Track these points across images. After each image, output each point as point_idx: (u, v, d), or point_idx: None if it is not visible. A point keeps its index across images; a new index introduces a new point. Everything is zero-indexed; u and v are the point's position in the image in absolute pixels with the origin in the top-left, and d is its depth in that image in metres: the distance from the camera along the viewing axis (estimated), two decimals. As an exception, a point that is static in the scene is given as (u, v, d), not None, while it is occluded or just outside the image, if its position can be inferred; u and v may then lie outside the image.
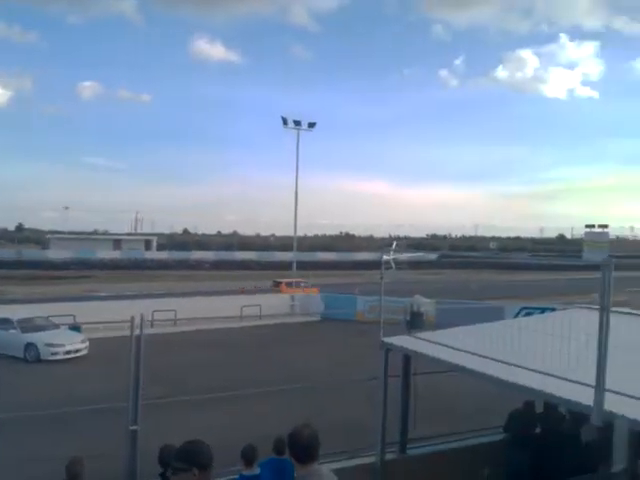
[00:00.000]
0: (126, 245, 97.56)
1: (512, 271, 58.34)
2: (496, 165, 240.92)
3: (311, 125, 38.89)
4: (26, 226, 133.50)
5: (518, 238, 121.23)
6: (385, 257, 8.39)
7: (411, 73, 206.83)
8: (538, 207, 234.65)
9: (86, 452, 6.88)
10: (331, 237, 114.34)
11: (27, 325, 22.29)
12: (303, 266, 49.87)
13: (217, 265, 69.39)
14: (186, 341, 24.52)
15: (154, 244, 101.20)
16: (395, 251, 8.69)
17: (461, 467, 8.74)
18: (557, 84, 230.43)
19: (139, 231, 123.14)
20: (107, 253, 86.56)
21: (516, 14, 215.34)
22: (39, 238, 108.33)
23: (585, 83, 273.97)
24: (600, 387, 5.37)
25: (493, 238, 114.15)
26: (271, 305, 32.46)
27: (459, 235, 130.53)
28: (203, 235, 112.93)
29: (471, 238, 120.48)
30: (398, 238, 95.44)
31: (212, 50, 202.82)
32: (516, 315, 24.57)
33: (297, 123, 38.23)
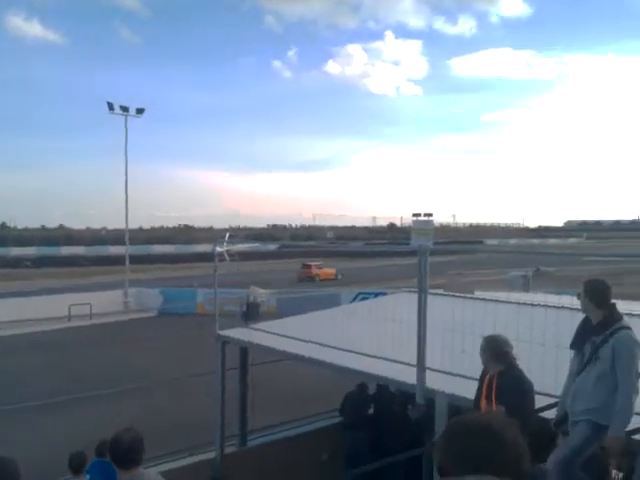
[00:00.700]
0: None
1: (349, 258, 60.91)
2: (331, 156, 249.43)
3: (140, 111, 37.00)
4: None
5: (353, 227, 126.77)
6: (218, 249, 8.19)
7: (246, 63, 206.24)
8: (370, 196, 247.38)
9: None
10: (169, 229, 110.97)
11: None
12: (139, 260, 47.74)
13: (40, 262, 63.62)
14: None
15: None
16: (228, 242, 8.51)
17: (301, 453, 8.88)
18: (384, 80, 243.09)
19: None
20: None
21: (345, 9, 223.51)
22: None
23: (410, 80, 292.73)
24: (421, 366, 5.68)
25: (330, 227, 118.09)
26: (102, 303, 30.59)
27: (299, 225, 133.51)
28: (25, 230, 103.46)
29: (310, 228, 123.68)
30: (238, 229, 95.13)
31: (30, 28, 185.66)
32: (353, 301, 25.52)
33: (124, 109, 36.06)
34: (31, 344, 22.45)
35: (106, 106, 35.91)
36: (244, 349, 8.75)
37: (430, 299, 6.00)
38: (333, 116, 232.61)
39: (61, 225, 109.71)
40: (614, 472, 5.59)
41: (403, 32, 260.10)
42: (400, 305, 7.30)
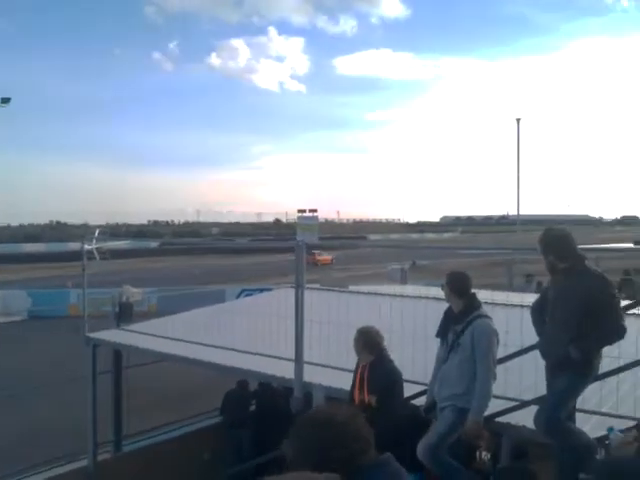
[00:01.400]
0: None
1: (234, 255, 60.25)
2: (216, 151, 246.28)
3: (5, 100, 34.41)
4: None
5: (238, 223, 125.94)
6: (87, 247, 7.71)
7: (124, 53, 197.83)
8: (256, 193, 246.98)
9: None
10: (40, 226, 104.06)
11: None
12: (6, 260, 44.41)
13: None
14: None
15: None
16: (99, 239, 8.03)
17: (181, 455, 8.64)
18: (268, 76, 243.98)
19: None
20: None
21: (227, 3, 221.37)
22: None
23: (294, 77, 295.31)
24: (299, 361, 5.71)
25: (215, 224, 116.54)
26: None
27: (182, 221, 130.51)
28: None
29: (193, 224, 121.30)
30: (116, 225, 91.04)
31: None
32: (237, 297, 25.23)
33: (-12, 98, 33.39)
34: None
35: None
36: (117, 352, 8.37)
37: (308, 294, 6.04)
38: (217, 111, 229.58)
39: None
40: (484, 453, 5.92)
41: (287, 29, 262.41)
42: (282, 301, 7.29)
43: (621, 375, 4.37)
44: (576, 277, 3.91)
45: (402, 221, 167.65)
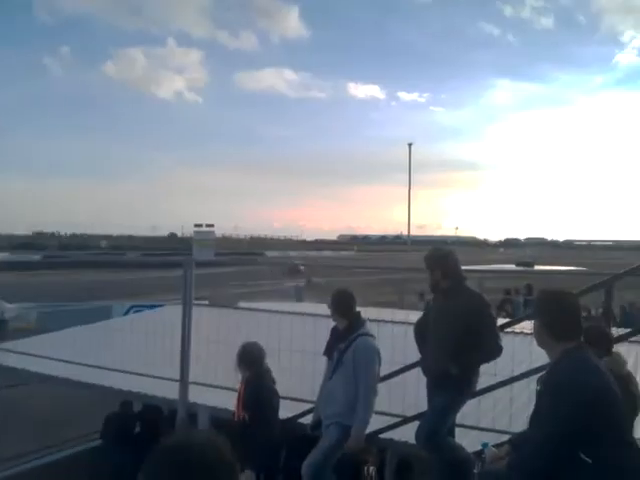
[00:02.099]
0: None
1: (125, 269, 57.92)
2: (112, 161, 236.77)
3: None
4: None
5: (131, 237, 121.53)
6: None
7: (10, 56, 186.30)
8: (151, 205, 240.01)
9: None
10: None
11: None
12: None
13: None
14: None
15: None
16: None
17: (57, 482, 8.07)
18: (167, 86, 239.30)
19: None
20: None
21: (126, 10, 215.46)
22: None
23: (192, 89, 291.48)
24: (184, 380, 5.53)
25: (105, 236, 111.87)
26: None
27: (69, 233, 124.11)
28: None
29: (82, 236, 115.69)
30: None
31: None
32: (125, 313, 24.16)
33: None
34: None
35: None
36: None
37: (198, 311, 5.88)
38: (112, 120, 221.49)
39: None
40: (371, 468, 5.97)
41: (186, 41, 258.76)
42: (172, 318, 7.05)
43: (497, 391, 4.56)
44: (456, 296, 4.05)
45: (300, 238, 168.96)
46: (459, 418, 4.37)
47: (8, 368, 7.23)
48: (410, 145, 36.62)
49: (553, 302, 3.01)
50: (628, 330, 4.99)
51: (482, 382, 4.37)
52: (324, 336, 4.79)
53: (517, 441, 3.18)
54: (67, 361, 7.09)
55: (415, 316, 4.94)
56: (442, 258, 4.22)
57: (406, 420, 4.67)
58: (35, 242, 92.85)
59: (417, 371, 4.46)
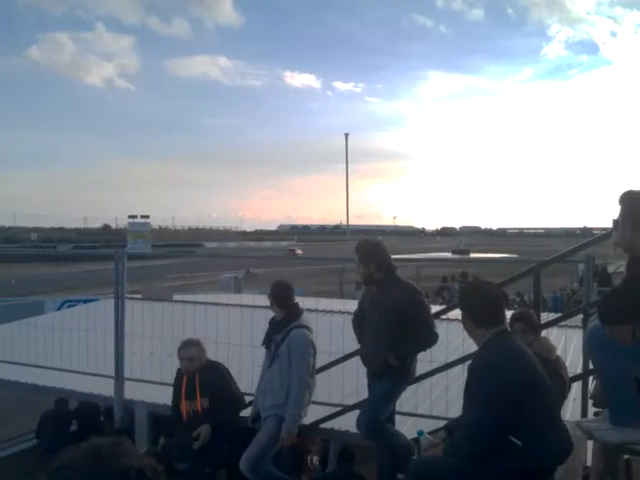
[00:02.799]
0: None
1: (58, 263, 55.95)
2: (39, 149, 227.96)
3: None
4: None
5: (62, 229, 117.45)
6: None
7: None
8: (83, 196, 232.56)
9: None
10: None
11: None
12: None
13: None
14: None
15: None
16: None
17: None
18: (96, 73, 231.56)
19: None
20: None
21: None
22: None
23: (122, 75, 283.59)
24: (120, 377, 5.39)
25: (35, 229, 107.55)
26: None
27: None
28: None
29: (10, 229, 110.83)
30: None
31: None
32: (59, 308, 23.37)
33: None
34: None
35: None
36: None
37: (132, 305, 5.73)
38: (39, 107, 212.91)
39: None
40: (314, 458, 5.99)
41: (115, 26, 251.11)
42: (107, 312, 6.83)
43: (434, 378, 4.65)
44: (389, 288, 4.09)
45: (240, 229, 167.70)
46: (397, 405, 4.43)
47: None
48: (347, 135, 36.61)
49: (474, 292, 3.19)
50: (558, 315, 5.19)
51: (419, 369, 4.44)
52: (262, 327, 4.76)
53: (452, 427, 3.25)
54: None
55: (352, 305, 4.97)
56: (374, 250, 4.21)
57: (346, 409, 4.70)
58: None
59: (356, 360, 4.48)
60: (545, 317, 4.77)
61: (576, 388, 4.41)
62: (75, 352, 6.29)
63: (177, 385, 4.85)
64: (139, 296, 9.29)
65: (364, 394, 4.41)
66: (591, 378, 4.06)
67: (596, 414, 3.79)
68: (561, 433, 2.90)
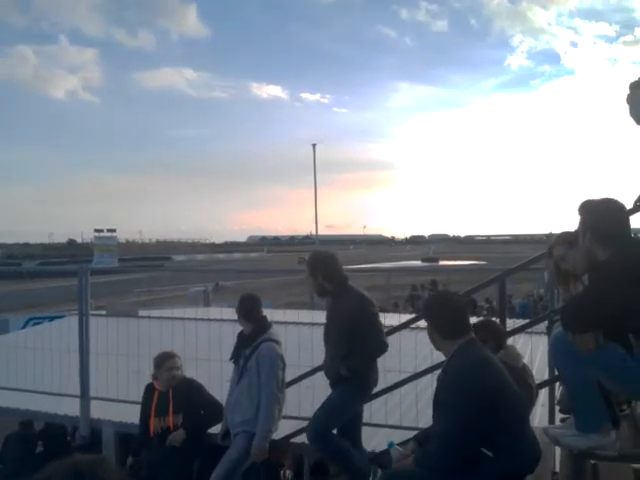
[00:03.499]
0: None
1: (22, 279, 54.73)
2: (1, 165, 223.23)
3: None
4: None
5: (27, 244, 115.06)
6: None
7: None
8: (47, 210, 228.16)
9: None
10: None
11: None
12: None
13: None
14: None
15: None
16: None
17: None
18: (60, 86, 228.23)
19: None
20: None
21: (12, 5, 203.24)
22: None
23: (87, 88, 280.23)
24: (85, 396, 5.27)
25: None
26: None
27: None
28: None
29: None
30: None
31: None
32: (24, 326, 22.85)
33: None
34: None
35: None
36: None
37: (97, 322, 5.63)
38: (2, 120, 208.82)
39: None
40: (288, 472, 5.94)
41: (79, 39, 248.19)
42: (73, 330, 6.68)
43: (404, 388, 4.65)
44: (341, 298, 4.11)
45: (209, 241, 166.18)
46: (367, 417, 4.41)
47: None
48: (314, 145, 36.51)
49: (438, 304, 3.18)
50: (524, 321, 5.23)
51: (389, 380, 4.44)
52: (231, 342, 4.70)
53: (421, 437, 3.25)
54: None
55: (321, 317, 4.94)
56: (322, 262, 4.21)
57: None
58: None
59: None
60: (512, 324, 4.81)
61: (543, 394, 4.45)
62: (39, 371, 6.13)
63: (147, 402, 4.76)
64: (104, 312, 9.12)
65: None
66: (558, 384, 4.11)
67: (563, 420, 3.83)
68: (531, 441, 2.93)
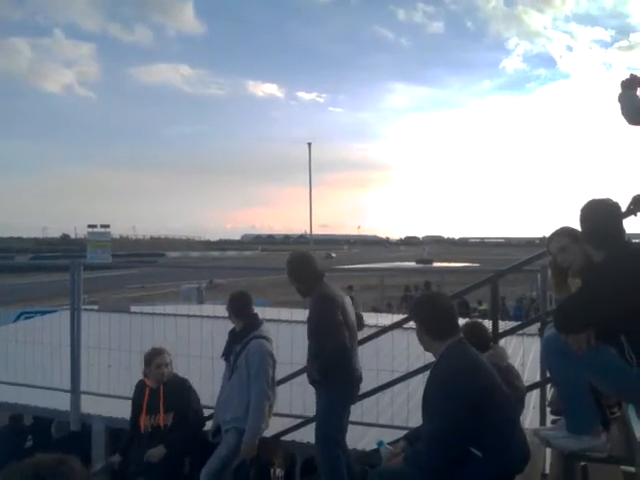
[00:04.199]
0: None
1: (15, 273, 54.56)
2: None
3: None
4: None
5: (20, 238, 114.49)
6: None
7: None
8: (42, 205, 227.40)
9: None
10: None
11: None
12: None
13: None
14: None
15: None
16: None
17: None
18: (55, 80, 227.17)
19: None
20: None
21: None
22: None
23: (82, 83, 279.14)
24: (76, 391, 5.24)
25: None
26: None
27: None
28: None
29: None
30: None
31: None
32: (15, 320, 22.73)
33: None
34: None
35: None
36: None
37: (89, 317, 5.60)
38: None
39: None
40: (278, 470, 5.92)
41: (75, 33, 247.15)
42: (65, 325, 6.66)
43: (395, 388, 4.64)
44: (311, 299, 4.12)
45: (203, 239, 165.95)
46: (358, 416, 4.40)
47: None
48: (310, 144, 36.34)
49: (426, 306, 3.18)
50: (517, 323, 5.24)
51: (381, 379, 4.43)
52: (223, 339, 4.69)
53: (411, 436, 3.25)
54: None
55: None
56: (293, 264, 4.22)
57: (308, 421, 4.65)
58: None
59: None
60: (504, 326, 4.81)
61: (535, 396, 4.45)
62: (30, 365, 6.10)
63: (138, 398, 4.74)
64: (96, 307, 9.09)
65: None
66: (549, 386, 4.11)
67: (554, 422, 3.84)
68: (520, 441, 2.93)
